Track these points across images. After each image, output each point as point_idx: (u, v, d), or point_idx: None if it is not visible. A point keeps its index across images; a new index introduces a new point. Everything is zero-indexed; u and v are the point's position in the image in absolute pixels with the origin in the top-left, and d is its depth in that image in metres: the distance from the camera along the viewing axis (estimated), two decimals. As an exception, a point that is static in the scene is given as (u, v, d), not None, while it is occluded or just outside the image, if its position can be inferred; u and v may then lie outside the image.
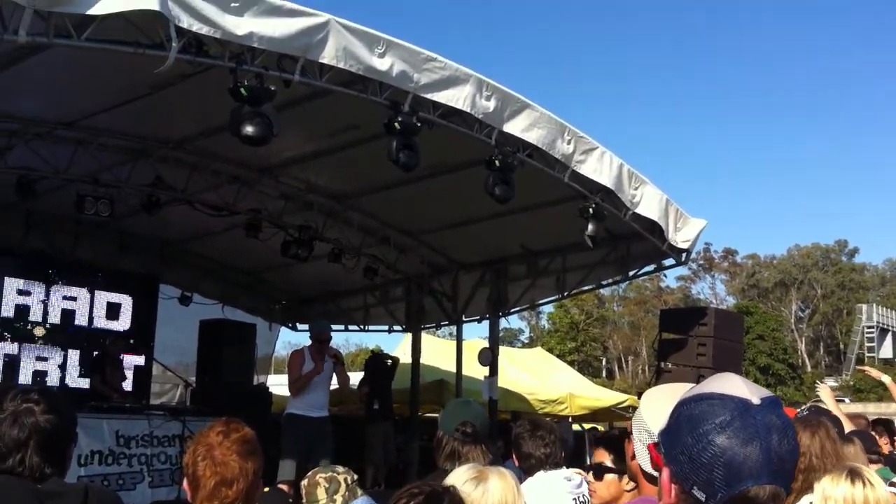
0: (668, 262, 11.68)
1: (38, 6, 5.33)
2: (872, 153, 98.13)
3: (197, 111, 9.11)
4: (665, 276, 61.41)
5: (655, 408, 1.78)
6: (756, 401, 1.55)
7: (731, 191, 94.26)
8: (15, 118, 9.26)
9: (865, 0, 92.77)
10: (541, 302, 15.82)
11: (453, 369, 14.50)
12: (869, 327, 61.06)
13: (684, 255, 11.19)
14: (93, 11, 5.50)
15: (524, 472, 4.28)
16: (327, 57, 6.66)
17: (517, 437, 4.46)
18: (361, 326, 16.63)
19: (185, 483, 2.88)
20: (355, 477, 4.11)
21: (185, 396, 14.69)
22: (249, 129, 6.74)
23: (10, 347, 13.08)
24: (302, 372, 9.44)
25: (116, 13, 5.58)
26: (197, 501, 2.78)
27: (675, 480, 1.59)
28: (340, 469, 4.14)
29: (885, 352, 60.50)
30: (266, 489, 3.30)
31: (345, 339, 53.47)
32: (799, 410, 5.42)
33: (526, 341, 62.73)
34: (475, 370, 14.17)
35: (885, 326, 60.80)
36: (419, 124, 7.56)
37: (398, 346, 17.56)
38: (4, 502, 2.31)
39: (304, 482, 4.12)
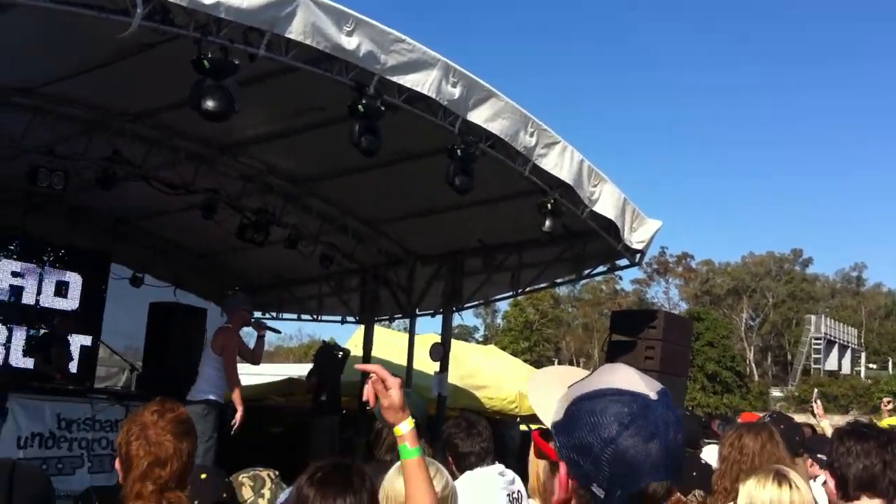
0: (623, 262, 11.75)
1: (3, -37, 5.23)
2: (838, 162, 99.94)
3: (158, 83, 8.95)
4: (620, 278, 62.06)
5: (543, 395, 1.76)
6: (654, 396, 1.56)
7: (690, 194, 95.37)
8: (-32, 82, 9.05)
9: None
10: (494, 298, 15.83)
11: (405, 363, 14.46)
12: (816, 338, 62.37)
13: (638, 255, 11.26)
14: (57, -29, 5.41)
15: (459, 473, 4.15)
16: (294, 32, 6.62)
17: (451, 436, 4.28)
18: (315, 316, 16.50)
19: (116, 463, 2.84)
20: (278, 472, 4.06)
21: (131, 381, 14.47)
22: (210, 104, 6.68)
23: (-48, 323, 12.80)
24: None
25: (82, -26, 5.50)
26: (129, 482, 2.75)
27: (572, 476, 1.59)
28: (260, 468, 4.11)
29: (831, 364, 61.85)
30: (203, 475, 3.26)
31: (297, 329, 53.08)
32: (761, 416, 5.52)
33: (480, 339, 62.86)
34: (427, 365, 14.14)
35: (832, 338, 62.13)
36: (383, 108, 7.54)
37: (350, 337, 17.47)
38: None
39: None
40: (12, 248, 13.35)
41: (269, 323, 11.91)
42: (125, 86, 9.22)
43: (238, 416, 8.57)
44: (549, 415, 1.67)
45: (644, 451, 1.51)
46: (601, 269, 12.58)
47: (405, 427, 2.62)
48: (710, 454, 5.10)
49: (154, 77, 8.70)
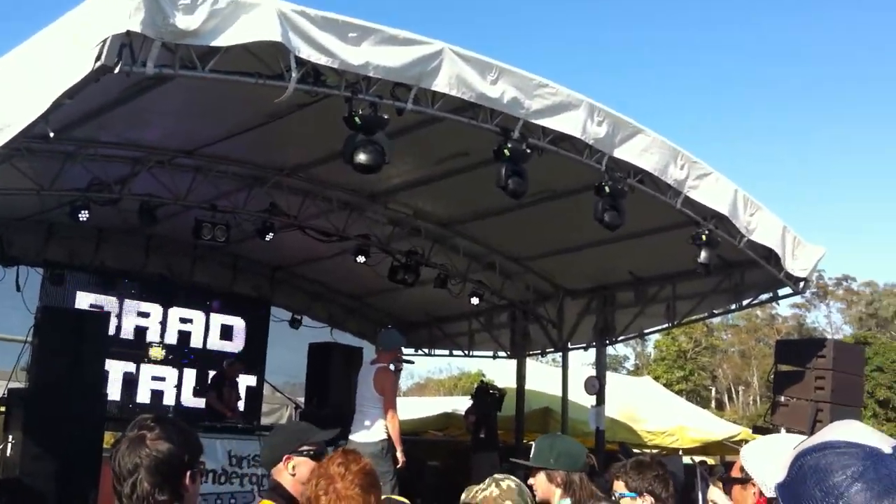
0: (784, 290, 11.29)
1: (167, 39, 5.53)
2: None
3: (311, 139, 9.34)
4: (778, 304, 59.18)
5: (762, 460, 1.65)
6: (887, 450, 1.43)
7: (847, 215, 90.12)
8: (139, 147, 9.69)
9: None
10: (649, 331, 15.51)
11: (558, 395, 14.34)
12: None
13: (802, 283, 10.80)
14: (217, 43, 5.69)
15: None
16: (440, 85, 6.73)
17: (651, 489, 3.89)
18: (466, 352, 16.62)
19: None
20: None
21: (294, 417, 14.97)
22: (363, 157, 6.83)
23: (129, 367, 13.64)
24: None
25: (239, 44, 5.78)
26: None
27: None
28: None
29: None
30: None
31: (447, 363, 53.53)
32: None
33: (631, 368, 61.50)
34: (580, 397, 13.97)
35: None
36: (528, 150, 7.54)
37: (501, 370, 17.48)
38: None
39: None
40: (181, 296, 14.18)
41: (418, 358, 12.08)
42: (280, 143, 9.66)
43: (399, 455, 8.63)
44: (769, 478, 1.58)
45: None
46: (762, 297, 12.09)
47: None
48: None
49: (306, 133, 9.07)
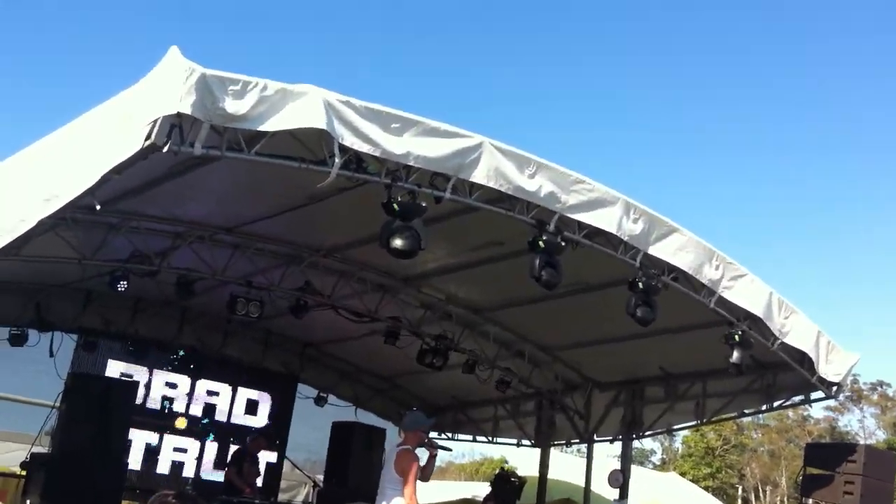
0: (817, 394, 11.10)
1: (216, 122, 5.67)
2: None
3: (349, 221, 9.47)
4: (810, 406, 57.87)
5: None
6: None
7: (885, 319, 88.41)
8: (181, 222, 9.88)
9: None
10: (677, 427, 15.22)
11: (581, 486, 14.09)
12: None
13: (835, 388, 10.65)
14: (264, 128, 5.84)
15: None
16: (478, 176, 6.83)
17: None
18: (490, 438, 16.44)
19: None
20: None
21: (312, 496, 14.82)
22: (399, 243, 6.88)
23: (153, 437, 13.64)
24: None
25: (286, 130, 5.94)
26: None
27: None
28: None
29: None
30: None
31: (469, 448, 52.79)
32: None
33: (658, 463, 60.26)
34: (604, 490, 13.72)
35: None
36: (563, 243, 7.58)
37: (525, 459, 17.22)
38: None
39: None
40: (211, 368, 14.25)
41: (442, 442, 11.95)
42: (318, 224, 9.80)
43: None
44: None
45: None
46: (794, 400, 11.89)
47: None
48: None
49: (345, 216, 9.21)
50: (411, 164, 6.54)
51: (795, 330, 9.54)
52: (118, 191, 8.02)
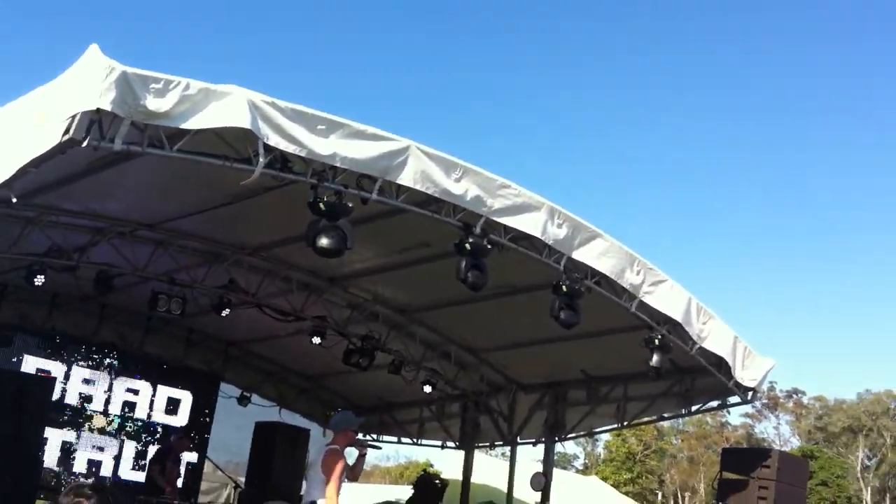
0: (734, 399, 11.40)
1: (136, 118, 5.59)
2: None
3: (274, 221, 9.40)
4: (728, 412, 59.29)
5: None
6: None
7: (799, 327, 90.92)
8: (101, 217, 9.68)
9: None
10: (599, 430, 15.48)
11: (504, 490, 14.20)
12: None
13: (750, 393, 10.94)
14: (187, 126, 5.78)
15: None
16: (405, 179, 6.86)
17: None
18: (415, 440, 16.45)
19: None
20: None
21: (233, 498, 14.63)
22: (325, 242, 6.88)
23: (69, 435, 13.31)
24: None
25: (209, 128, 5.87)
26: None
27: None
28: None
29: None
30: None
31: (394, 451, 52.69)
32: None
33: (580, 467, 61.03)
34: (526, 493, 13.85)
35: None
36: (489, 246, 7.66)
37: (450, 461, 17.30)
38: None
39: None
40: (130, 366, 13.96)
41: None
42: (243, 223, 9.70)
43: None
44: None
45: None
46: (711, 404, 12.20)
47: None
48: None
49: (270, 215, 9.13)
50: (337, 165, 6.54)
51: (713, 335, 9.78)
52: (36, 184, 7.85)
